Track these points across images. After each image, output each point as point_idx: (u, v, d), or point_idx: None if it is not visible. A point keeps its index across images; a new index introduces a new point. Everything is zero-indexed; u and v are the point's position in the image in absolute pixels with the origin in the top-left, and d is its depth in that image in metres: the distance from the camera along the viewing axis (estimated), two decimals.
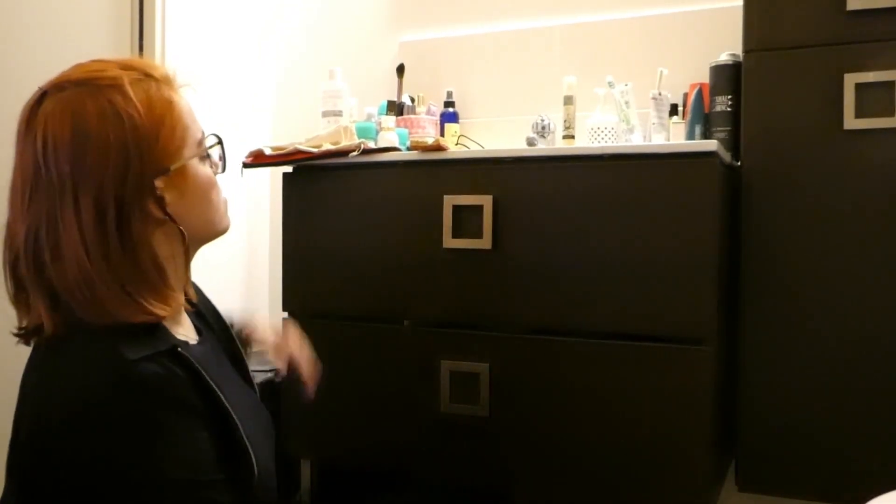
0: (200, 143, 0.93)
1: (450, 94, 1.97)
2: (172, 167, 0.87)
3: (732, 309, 1.43)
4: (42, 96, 0.84)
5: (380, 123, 1.67)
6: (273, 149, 1.56)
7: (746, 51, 1.43)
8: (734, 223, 1.43)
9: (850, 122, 1.35)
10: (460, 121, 1.97)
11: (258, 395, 1.07)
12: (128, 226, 0.82)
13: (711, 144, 1.29)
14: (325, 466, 1.71)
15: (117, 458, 0.76)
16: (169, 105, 0.87)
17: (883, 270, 1.33)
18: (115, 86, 0.83)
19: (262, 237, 2.24)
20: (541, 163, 1.40)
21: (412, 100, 1.90)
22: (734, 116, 1.55)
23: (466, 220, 1.43)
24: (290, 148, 1.55)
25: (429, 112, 1.90)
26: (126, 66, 0.87)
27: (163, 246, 0.88)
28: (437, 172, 1.47)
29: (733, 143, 1.53)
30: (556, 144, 1.78)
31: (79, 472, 0.76)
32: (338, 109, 1.75)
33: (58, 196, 0.80)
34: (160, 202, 0.86)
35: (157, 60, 1.67)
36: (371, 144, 1.58)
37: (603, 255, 1.34)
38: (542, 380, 1.38)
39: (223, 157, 0.98)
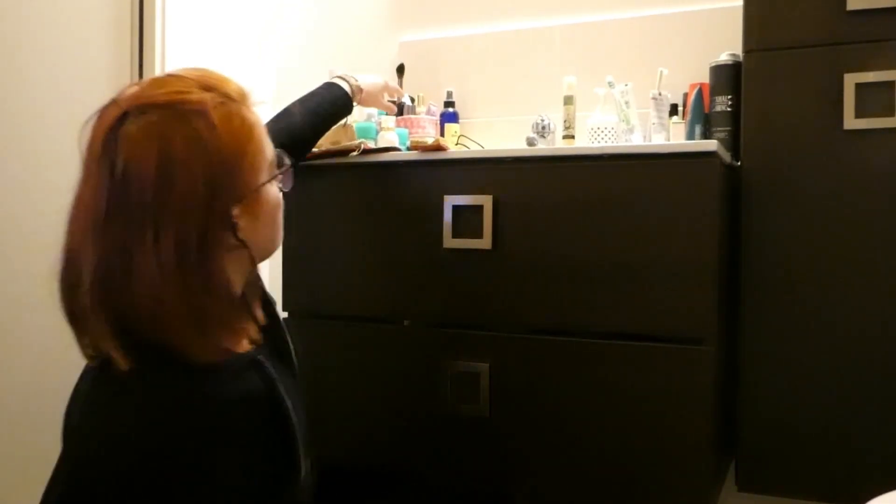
0: (272, 164, 0.90)
1: (450, 94, 1.97)
2: (250, 193, 0.85)
3: (732, 309, 1.43)
4: (122, 117, 0.79)
5: (380, 123, 1.67)
6: None
7: (746, 51, 1.43)
8: (734, 223, 1.43)
9: (850, 122, 1.35)
10: (460, 121, 1.97)
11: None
12: (208, 258, 0.79)
13: (711, 144, 1.29)
14: (325, 466, 1.71)
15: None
16: (249, 131, 0.85)
17: (883, 270, 1.33)
18: (201, 112, 0.80)
19: None
20: (541, 163, 1.40)
21: (412, 100, 1.90)
22: (734, 116, 1.55)
23: (466, 220, 1.43)
24: None
25: (429, 112, 1.90)
26: (207, 87, 0.84)
27: (234, 274, 0.85)
28: (437, 172, 1.47)
29: (733, 143, 1.53)
30: (556, 144, 1.78)
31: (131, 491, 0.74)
32: None
33: (137, 226, 0.76)
34: (234, 229, 0.83)
35: (157, 60, 1.67)
36: (371, 144, 1.58)
37: (603, 255, 1.34)
38: (542, 380, 1.38)
39: (290, 174, 0.96)
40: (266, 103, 0.95)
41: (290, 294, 1.59)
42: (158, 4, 1.68)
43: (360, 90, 1.49)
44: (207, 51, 1.97)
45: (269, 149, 0.90)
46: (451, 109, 1.95)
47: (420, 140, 1.52)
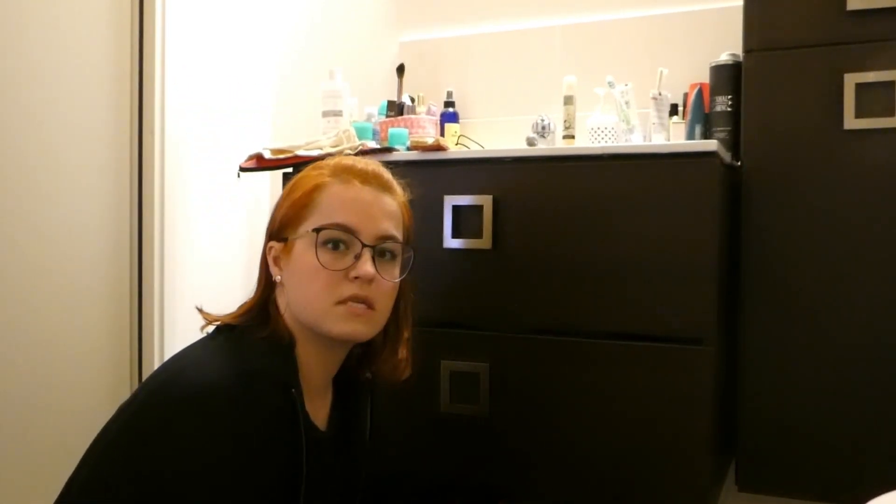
0: (319, 229, 0.97)
1: (450, 94, 1.97)
2: (288, 237, 1.00)
3: (732, 309, 1.43)
4: None
5: (379, 124, 1.67)
6: (273, 151, 1.56)
7: (746, 51, 1.43)
8: (734, 223, 1.43)
9: (850, 122, 1.35)
10: (460, 121, 1.97)
11: None
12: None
13: (711, 144, 1.29)
14: None
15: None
16: (316, 186, 1.00)
17: (883, 270, 1.33)
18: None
19: (262, 237, 2.24)
20: (541, 163, 1.40)
21: (412, 100, 1.90)
22: (734, 116, 1.55)
23: (466, 220, 1.43)
24: (290, 154, 1.55)
25: (429, 112, 1.90)
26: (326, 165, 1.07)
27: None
28: (437, 172, 1.47)
29: (733, 143, 1.53)
30: (556, 144, 1.78)
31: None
32: (338, 109, 1.75)
33: None
34: (276, 261, 1.03)
35: (157, 60, 1.67)
36: (372, 145, 1.58)
37: (603, 255, 1.34)
38: (542, 380, 1.38)
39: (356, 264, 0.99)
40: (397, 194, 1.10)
41: None
42: (158, 4, 1.67)
43: None
44: (207, 51, 1.97)
45: (329, 213, 0.99)
46: (451, 109, 1.95)
47: (420, 140, 1.52)
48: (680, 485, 1.29)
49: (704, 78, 1.63)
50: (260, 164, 1.57)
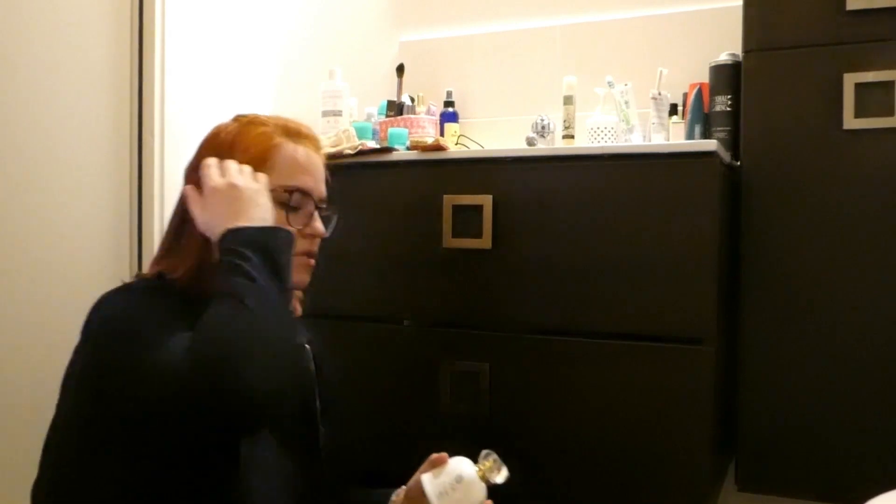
0: (291, 190, 1.02)
1: (450, 94, 1.97)
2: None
3: (732, 309, 1.43)
4: None
5: (378, 124, 1.67)
6: None
7: (746, 51, 1.43)
8: (734, 223, 1.43)
9: (850, 122, 1.35)
10: (460, 121, 1.97)
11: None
12: None
13: (711, 144, 1.29)
14: None
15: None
16: (275, 146, 1.03)
17: (883, 270, 1.33)
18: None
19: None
20: (541, 163, 1.40)
21: (412, 100, 1.90)
22: (734, 116, 1.55)
23: (466, 220, 1.43)
24: None
25: (429, 112, 1.90)
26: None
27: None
28: (437, 172, 1.47)
29: (733, 143, 1.53)
30: (556, 144, 1.78)
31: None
32: (338, 109, 1.75)
33: None
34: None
35: (157, 60, 1.67)
36: (371, 145, 1.58)
37: (603, 255, 1.34)
38: (542, 380, 1.38)
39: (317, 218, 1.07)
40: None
41: None
42: (158, 4, 1.67)
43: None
44: (207, 51, 1.97)
45: (290, 176, 1.03)
46: (451, 109, 1.95)
47: (420, 140, 1.52)
48: (680, 485, 1.29)
49: (704, 78, 1.63)
50: None
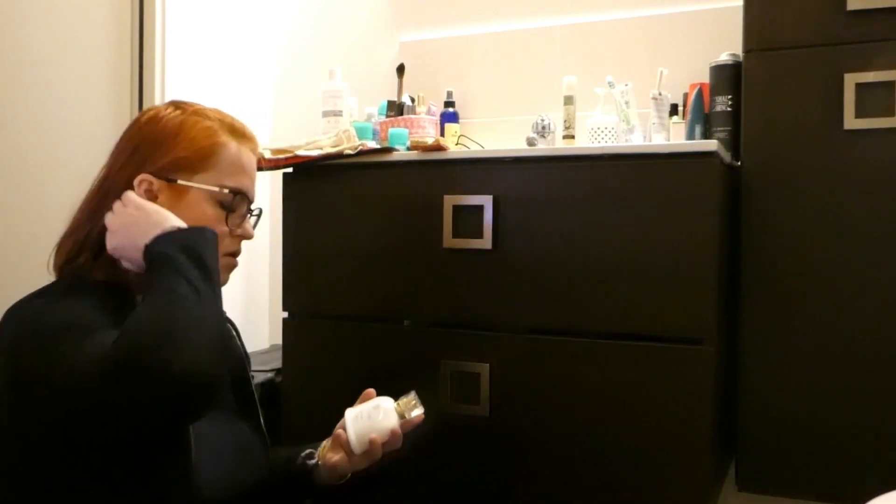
0: (235, 192, 1.02)
1: (450, 94, 1.97)
2: (178, 180, 0.99)
3: (732, 309, 1.43)
4: None
5: (378, 124, 1.67)
6: (272, 151, 1.56)
7: (746, 51, 1.43)
8: (734, 223, 1.43)
9: (850, 122, 1.35)
10: (460, 121, 1.97)
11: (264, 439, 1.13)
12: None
13: (711, 144, 1.29)
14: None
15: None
16: (219, 143, 1.02)
17: (883, 270, 1.33)
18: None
19: (262, 237, 2.24)
20: (541, 163, 1.40)
21: (412, 100, 1.90)
22: (734, 116, 1.55)
23: (466, 220, 1.43)
24: (290, 153, 1.55)
25: (429, 112, 1.90)
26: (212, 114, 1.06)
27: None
28: (437, 172, 1.47)
29: (733, 143, 1.53)
30: (556, 144, 1.78)
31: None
32: (338, 109, 1.75)
33: None
34: (147, 195, 0.99)
35: (157, 60, 1.67)
36: (372, 145, 1.58)
37: (603, 255, 1.34)
38: (542, 380, 1.38)
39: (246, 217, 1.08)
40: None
41: (290, 294, 1.59)
42: (158, 4, 1.68)
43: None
44: (207, 51, 1.97)
45: (231, 175, 1.03)
46: (451, 109, 1.95)
47: (420, 140, 1.52)
48: (680, 485, 1.29)
49: (704, 78, 1.63)
50: (260, 164, 1.57)
